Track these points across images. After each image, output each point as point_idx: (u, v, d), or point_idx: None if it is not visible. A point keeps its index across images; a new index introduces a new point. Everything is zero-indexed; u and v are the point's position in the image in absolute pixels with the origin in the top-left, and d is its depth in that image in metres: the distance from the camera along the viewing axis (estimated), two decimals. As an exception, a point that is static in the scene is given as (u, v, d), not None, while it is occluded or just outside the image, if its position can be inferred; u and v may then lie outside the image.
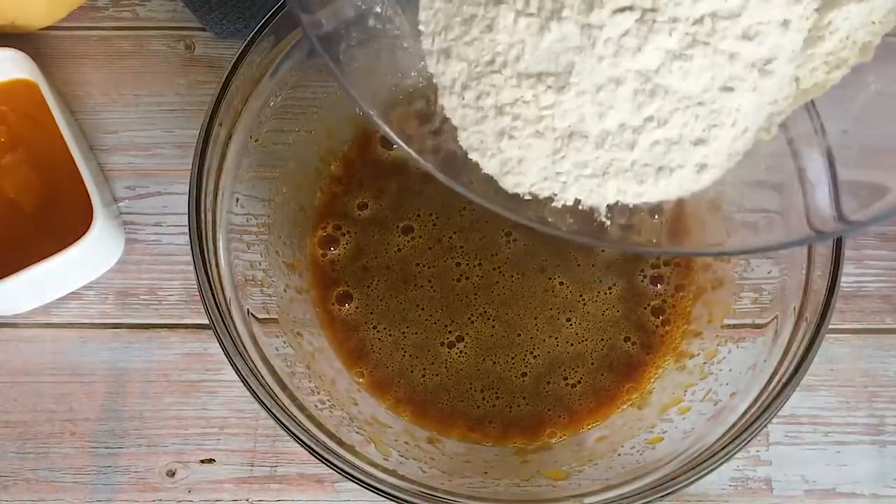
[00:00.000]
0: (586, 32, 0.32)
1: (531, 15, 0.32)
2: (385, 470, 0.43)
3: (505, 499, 0.45)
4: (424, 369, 0.52)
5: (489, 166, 0.37)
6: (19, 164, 0.55)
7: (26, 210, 0.54)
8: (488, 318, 0.53)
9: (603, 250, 0.54)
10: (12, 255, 0.51)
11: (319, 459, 0.42)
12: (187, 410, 0.53)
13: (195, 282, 0.44)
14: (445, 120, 0.38)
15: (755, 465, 0.52)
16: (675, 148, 0.35)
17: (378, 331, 0.53)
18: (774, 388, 0.43)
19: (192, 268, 0.44)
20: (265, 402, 0.42)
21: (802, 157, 0.42)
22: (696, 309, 0.53)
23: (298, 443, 0.42)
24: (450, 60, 0.36)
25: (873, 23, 0.33)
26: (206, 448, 0.53)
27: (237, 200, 0.49)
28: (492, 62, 0.34)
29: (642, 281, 0.54)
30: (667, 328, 0.53)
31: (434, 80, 0.37)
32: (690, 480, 0.42)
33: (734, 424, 0.43)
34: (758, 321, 0.48)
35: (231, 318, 0.44)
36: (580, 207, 0.37)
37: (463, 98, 0.36)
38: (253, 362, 0.44)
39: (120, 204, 0.58)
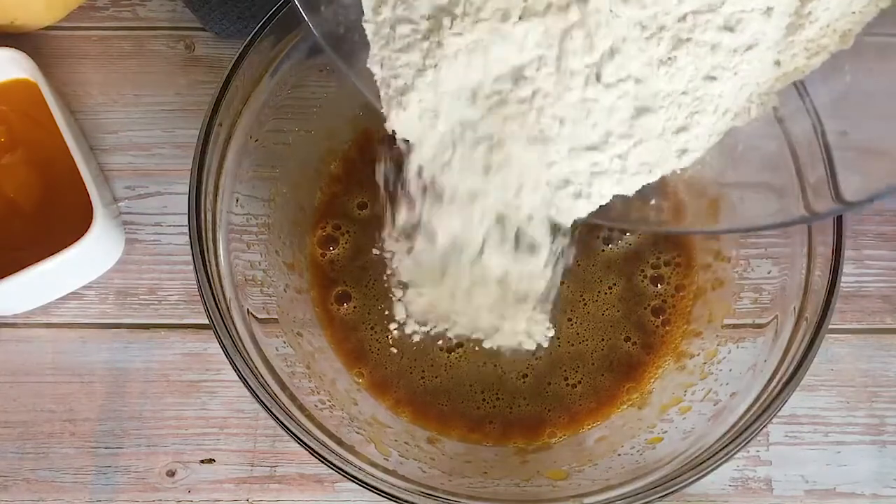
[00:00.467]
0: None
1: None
2: (385, 470, 0.43)
3: (505, 499, 0.45)
4: (423, 371, 0.52)
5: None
6: (19, 164, 0.55)
7: (26, 210, 0.54)
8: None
9: (603, 250, 0.54)
10: (12, 255, 0.51)
11: (319, 459, 0.42)
12: (187, 410, 0.53)
13: (195, 282, 0.44)
14: None
15: (755, 465, 0.52)
16: (657, 139, 0.35)
17: (376, 332, 0.53)
18: (774, 388, 0.43)
19: (192, 268, 0.44)
20: (265, 402, 0.42)
21: (794, 137, 0.42)
22: (697, 309, 0.53)
23: (298, 443, 0.42)
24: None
25: (854, 12, 0.34)
26: (206, 448, 0.53)
27: (237, 200, 0.49)
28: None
29: (642, 281, 0.54)
30: (667, 328, 0.53)
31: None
32: (690, 480, 0.42)
33: (734, 424, 0.43)
34: (758, 321, 0.48)
35: (231, 318, 0.44)
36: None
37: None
38: (253, 362, 0.44)
39: (120, 204, 0.58)
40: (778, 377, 0.44)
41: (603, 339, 0.53)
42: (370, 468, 0.43)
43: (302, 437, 0.42)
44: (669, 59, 0.33)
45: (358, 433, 0.47)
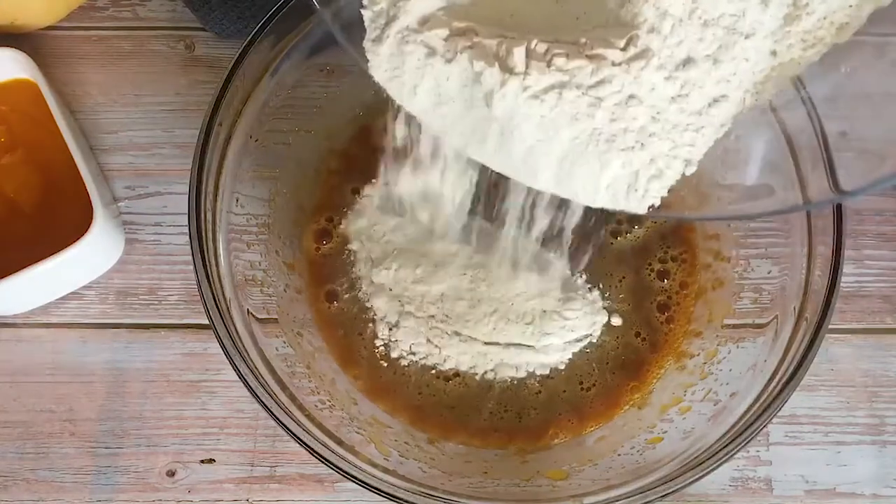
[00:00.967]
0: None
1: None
2: (385, 470, 0.43)
3: (505, 499, 0.45)
4: (420, 390, 0.51)
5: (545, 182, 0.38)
6: (19, 164, 0.55)
7: (26, 210, 0.54)
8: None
9: (611, 243, 0.55)
10: (12, 255, 0.51)
11: (319, 459, 0.42)
12: (187, 410, 0.53)
13: (195, 282, 0.44)
14: None
15: (755, 465, 0.52)
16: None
17: (364, 339, 0.52)
18: (774, 388, 0.43)
19: (192, 268, 0.44)
20: (265, 402, 0.42)
21: (790, 126, 0.43)
22: (697, 309, 0.53)
23: (298, 443, 0.42)
24: None
25: (850, 6, 0.34)
26: (206, 448, 0.53)
27: (237, 200, 0.49)
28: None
29: (649, 275, 0.54)
30: (670, 325, 0.53)
31: None
32: (690, 480, 0.42)
33: (734, 424, 0.43)
34: (758, 321, 0.48)
35: (231, 318, 0.44)
36: None
37: None
38: (253, 362, 0.44)
39: (120, 204, 0.58)
40: (778, 377, 0.44)
41: (618, 337, 0.53)
42: (370, 468, 0.43)
43: (302, 437, 0.42)
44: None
45: (358, 433, 0.47)
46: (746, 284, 0.51)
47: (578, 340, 0.52)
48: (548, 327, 0.51)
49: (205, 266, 0.44)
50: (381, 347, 0.52)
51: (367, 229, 0.53)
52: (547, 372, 0.51)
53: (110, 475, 0.52)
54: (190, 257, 0.44)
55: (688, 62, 0.33)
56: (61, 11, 0.61)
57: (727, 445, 0.42)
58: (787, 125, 0.44)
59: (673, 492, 0.42)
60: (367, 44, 0.37)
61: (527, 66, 0.34)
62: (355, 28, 0.38)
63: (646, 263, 0.54)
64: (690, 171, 0.35)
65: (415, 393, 0.51)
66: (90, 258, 0.54)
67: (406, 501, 0.41)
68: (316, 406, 0.46)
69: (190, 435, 0.53)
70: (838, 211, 0.45)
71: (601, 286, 0.54)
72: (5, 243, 0.53)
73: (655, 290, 0.54)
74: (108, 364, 0.54)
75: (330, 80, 0.53)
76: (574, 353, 0.52)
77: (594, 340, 0.52)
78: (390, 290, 0.52)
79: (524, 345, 0.51)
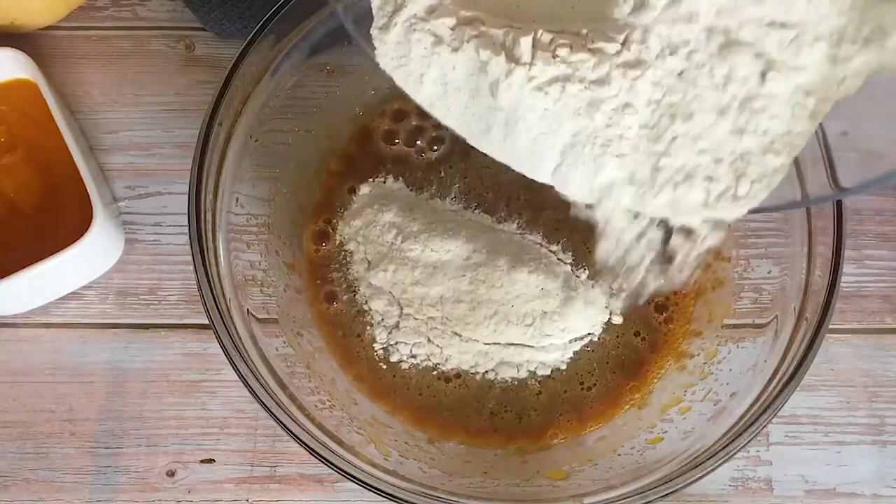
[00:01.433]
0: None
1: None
2: (385, 470, 0.43)
3: (505, 499, 0.45)
4: (420, 391, 0.51)
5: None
6: (19, 164, 0.55)
7: (26, 210, 0.54)
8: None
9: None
10: (12, 255, 0.51)
11: (319, 459, 0.42)
12: (187, 410, 0.53)
13: (195, 282, 0.44)
14: None
15: (755, 465, 0.52)
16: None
17: (363, 340, 0.52)
18: (774, 388, 0.43)
19: (192, 268, 0.44)
20: (265, 402, 0.42)
21: None
22: (697, 309, 0.53)
23: (298, 443, 0.42)
24: None
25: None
26: (205, 448, 0.53)
27: (237, 200, 0.49)
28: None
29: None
30: (670, 326, 0.53)
31: None
32: (690, 480, 0.42)
33: (734, 424, 0.43)
34: (758, 321, 0.48)
35: (231, 318, 0.44)
36: None
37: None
38: (253, 362, 0.44)
39: (120, 204, 0.58)
40: (778, 377, 0.44)
41: (618, 336, 0.53)
42: (370, 468, 0.43)
43: (302, 437, 0.42)
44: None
45: (358, 433, 0.47)
46: (746, 284, 0.51)
47: (580, 339, 0.52)
48: (548, 328, 0.51)
49: (205, 266, 0.44)
50: (380, 351, 0.52)
51: (362, 230, 0.53)
52: (548, 372, 0.51)
53: (110, 475, 0.52)
54: (190, 257, 0.44)
55: None
56: (61, 11, 0.61)
57: (727, 445, 0.42)
58: None
59: (673, 492, 0.42)
60: (374, 31, 0.37)
61: (532, 57, 0.34)
62: (364, 20, 0.38)
63: None
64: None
65: (415, 394, 0.51)
66: (90, 258, 0.54)
67: (406, 501, 0.41)
68: (316, 406, 0.46)
69: (190, 435, 0.53)
70: (838, 211, 0.45)
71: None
72: (5, 243, 0.53)
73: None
74: (108, 364, 0.54)
75: (330, 80, 0.53)
76: (575, 352, 0.52)
77: (595, 339, 0.52)
78: (389, 292, 0.52)
79: (525, 344, 0.51)
